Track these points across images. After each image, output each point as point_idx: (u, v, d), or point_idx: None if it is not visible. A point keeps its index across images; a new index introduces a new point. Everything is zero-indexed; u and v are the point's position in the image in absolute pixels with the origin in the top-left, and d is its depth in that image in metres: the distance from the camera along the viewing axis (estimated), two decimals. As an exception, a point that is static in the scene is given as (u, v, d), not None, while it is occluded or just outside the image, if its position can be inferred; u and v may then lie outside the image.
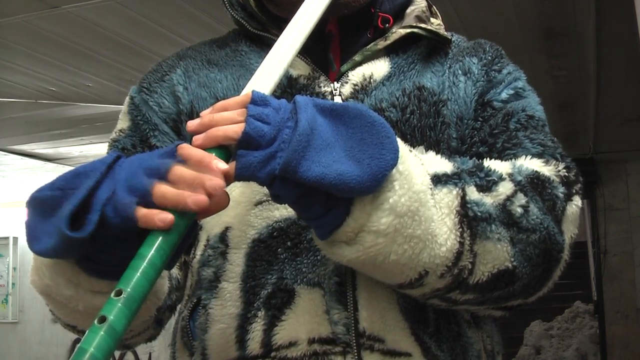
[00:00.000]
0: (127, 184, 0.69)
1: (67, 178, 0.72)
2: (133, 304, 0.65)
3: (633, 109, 4.89)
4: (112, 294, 0.65)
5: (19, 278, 8.32)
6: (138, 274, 0.66)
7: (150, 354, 6.17)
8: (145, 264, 0.66)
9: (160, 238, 0.67)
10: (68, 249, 0.69)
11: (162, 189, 0.68)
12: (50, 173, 6.18)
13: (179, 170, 0.69)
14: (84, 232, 0.67)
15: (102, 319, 0.63)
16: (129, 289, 0.65)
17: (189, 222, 0.70)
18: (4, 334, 8.46)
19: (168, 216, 0.67)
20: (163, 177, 0.69)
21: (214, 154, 0.70)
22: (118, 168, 0.71)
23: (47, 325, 7.81)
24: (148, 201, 0.68)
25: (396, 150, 0.71)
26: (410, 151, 0.78)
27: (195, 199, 0.67)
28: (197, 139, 0.72)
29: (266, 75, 0.81)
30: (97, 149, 5.55)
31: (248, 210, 0.90)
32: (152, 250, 0.67)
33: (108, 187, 0.69)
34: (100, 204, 0.68)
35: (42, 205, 0.72)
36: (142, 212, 0.67)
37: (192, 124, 0.74)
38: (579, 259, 7.00)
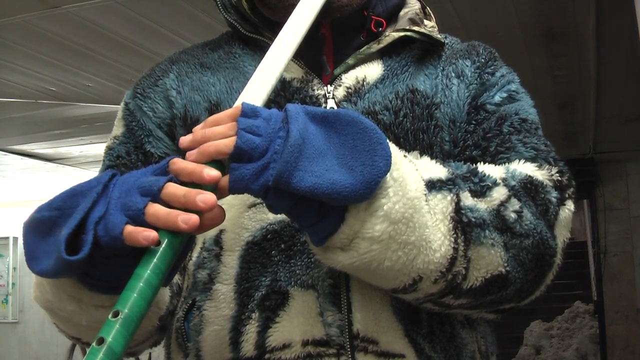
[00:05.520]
0: (121, 203, 0.70)
1: (64, 198, 0.73)
2: (131, 325, 0.66)
3: (633, 109, 4.89)
4: (110, 315, 0.66)
5: (19, 278, 8.34)
6: (135, 294, 0.66)
7: (150, 354, 6.17)
8: (141, 284, 0.67)
9: (156, 257, 0.68)
10: (68, 271, 0.70)
11: (154, 209, 0.68)
12: (50, 173, 6.19)
13: (171, 187, 0.70)
14: (81, 254, 0.67)
15: (101, 341, 0.64)
16: (126, 310, 0.66)
17: (183, 239, 0.70)
18: (4, 334, 8.47)
19: (151, 234, 0.67)
20: (156, 195, 0.69)
21: (200, 159, 0.71)
22: (112, 187, 0.72)
23: (47, 325, 7.82)
24: (141, 221, 0.68)
25: (388, 157, 0.71)
26: (405, 156, 0.78)
27: (185, 218, 0.67)
28: (191, 155, 0.72)
29: (259, 85, 0.82)
30: (97, 149, 5.55)
31: (242, 213, 0.90)
32: (148, 270, 0.68)
33: (102, 206, 0.70)
34: (93, 224, 0.68)
35: (40, 225, 0.73)
36: (127, 230, 0.67)
37: (184, 141, 0.74)
38: (579, 259, 7.01)
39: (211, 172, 0.69)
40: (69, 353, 5.43)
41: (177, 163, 0.72)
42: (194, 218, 0.67)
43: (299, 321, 0.85)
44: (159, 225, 0.68)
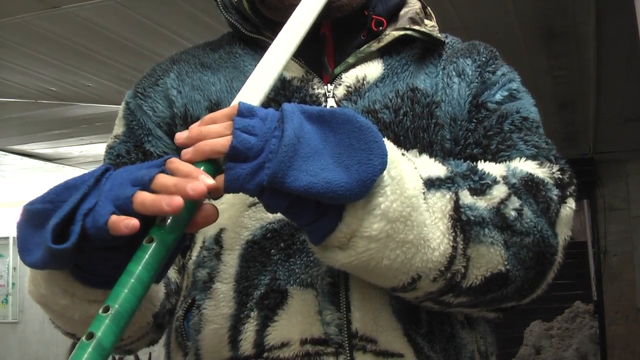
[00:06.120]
0: (111, 194, 0.70)
1: (58, 191, 0.73)
2: (121, 321, 0.66)
3: (633, 109, 4.89)
4: (100, 311, 0.66)
5: (19, 278, 8.34)
6: (126, 290, 0.67)
7: (150, 354, 6.18)
8: (132, 280, 0.67)
9: (148, 254, 0.68)
10: (56, 261, 0.70)
11: (142, 196, 0.68)
12: (50, 173, 6.19)
13: (161, 178, 0.70)
14: (67, 243, 0.67)
15: (90, 336, 0.64)
16: (116, 306, 0.66)
17: (177, 236, 0.70)
18: (4, 334, 8.48)
19: (131, 221, 0.67)
20: (146, 186, 0.70)
21: (202, 168, 0.71)
22: (105, 180, 0.72)
23: (47, 325, 7.82)
24: (130, 210, 0.68)
25: (384, 155, 0.71)
26: (403, 155, 0.78)
27: (169, 201, 0.67)
28: (186, 153, 0.72)
29: (256, 84, 0.82)
30: (97, 149, 5.55)
31: (242, 212, 0.90)
32: (139, 267, 0.68)
33: (93, 198, 0.70)
34: (82, 215, 0.68)
35: (33, 217, 0.73)
36: (111, 220, 0.67)
37: (180, 137, 0.74)
38: (579, 259, 7.01)
39: (207, 180, 0.69)
40: (68, 353, 5.43)
41: (174, 163, 0.71)
42: (177, 200, 0.66)
43: (297, 320, 0.85)
44: (145, 211, 0.68)
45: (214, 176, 0.71)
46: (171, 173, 0.71)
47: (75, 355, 0.63)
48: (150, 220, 0.70)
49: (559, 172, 0.88)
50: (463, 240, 0.78)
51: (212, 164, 0.72)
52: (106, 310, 0.66)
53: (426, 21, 1.02)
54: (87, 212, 0.69)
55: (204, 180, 0.68)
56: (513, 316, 0.93)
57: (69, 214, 0.69)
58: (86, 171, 0.76)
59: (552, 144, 0.93)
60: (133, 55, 3.56)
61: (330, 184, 0.68)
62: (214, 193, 0.71)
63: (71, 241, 0.67)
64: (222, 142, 0.70)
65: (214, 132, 0.72)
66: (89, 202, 0.69)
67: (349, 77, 0.95)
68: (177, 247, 0.72)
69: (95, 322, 0.65)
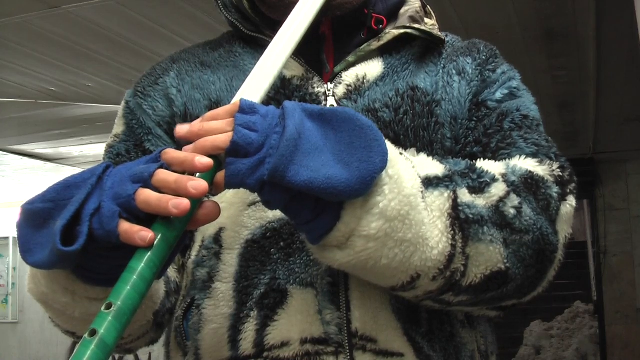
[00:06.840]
0: (113, 192, 0.70)
1: (58, 190, 0.73)
2: (123, 317, 0.66)
3: (633, 109, 4.89)
4: (103, 307, 0.66)
5: (19, 278, 8.35)
6: (128, 287, 0.66)
7: (150, 354, 6.18)
8: (135, 277, 0.67)
9: (151, 251, 0.68)
10: (63, 262, 0.70)
11: (145, 195, 0.68)
12: (50, 173, 6.20)
13: (162, 174, 0.70)
14: (76, 245, 0.68)
15: (93, 333, 0.64)
16: (119, 302, 0.66)
17: (178, 234, 0.70)
18: (4, 334, 8.48)
19: (148, 234, 0.67)
20: (147, 182, 0.70)
21: (196, 153, 0.71)
22: (106, 178, 0.72)
23: (47, 325, 7.82)
24: (132, 208, 0.68)
25: (385, 154, 0.71)
26: (401, 154, 0.78)
27: (175, 202, 0.67)
28: (187, 149, 0.72)
29: (257, 82, 0.81)
30: (97, 149, 5.56)
31: (242, 211, 0.90)
32: (142, 264, 0.67)
33: (97, 198, 0.70)
34: (88, 216, 0.68)
35: (34, 217, 0.73)
36: (123, 227, 0.67)
37: (181, 130, 0.74)
38: (579, 259, 7.01)
39: (203, 160, 0.69)
40: (69, 353, 5.43)
41: (169, 153, 0.72)
42: (184, 202, 0.67)
43: (297, 319, 0.85)
44: (150, 210, 0.68)
45: (215, 173, 0.71)
46: (168, 164, 0.71)
47: (78, 353, 0.63)
48: (151, 216, 0.70)
49: (559, 170, 0.88)
50: (462, 238, 0.77)
51: (214, 160, 0.72)
52: (109, 307, 0.65)
53: (426, 20, 1.02)
54: (93, 212, 0.69)
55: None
56: (513, 316, 0.93)
57: (74, 215, 0.69)
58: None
59: (553, 142, 0.93)
60: (133, 55, 3.56)
61: (330, 179, 0.68)
62: (215, 189, 0.71)
63: (80, 243, 0.67)
64: (223, 138, 0.70)
65: (215, 128, 0.72)
66: (94, 202, 0.69)
67: (349, 76, 0.95)
68: (179, 245, 0.72)
69: (98, 319, 0.65)
